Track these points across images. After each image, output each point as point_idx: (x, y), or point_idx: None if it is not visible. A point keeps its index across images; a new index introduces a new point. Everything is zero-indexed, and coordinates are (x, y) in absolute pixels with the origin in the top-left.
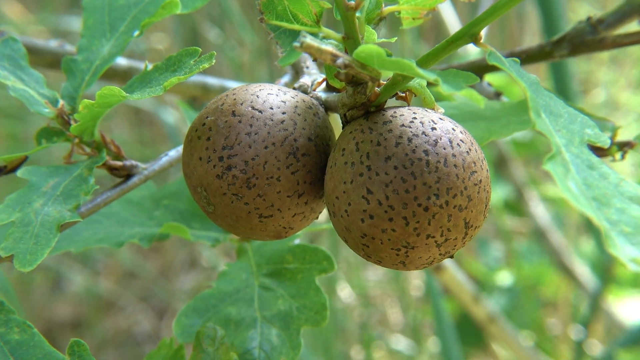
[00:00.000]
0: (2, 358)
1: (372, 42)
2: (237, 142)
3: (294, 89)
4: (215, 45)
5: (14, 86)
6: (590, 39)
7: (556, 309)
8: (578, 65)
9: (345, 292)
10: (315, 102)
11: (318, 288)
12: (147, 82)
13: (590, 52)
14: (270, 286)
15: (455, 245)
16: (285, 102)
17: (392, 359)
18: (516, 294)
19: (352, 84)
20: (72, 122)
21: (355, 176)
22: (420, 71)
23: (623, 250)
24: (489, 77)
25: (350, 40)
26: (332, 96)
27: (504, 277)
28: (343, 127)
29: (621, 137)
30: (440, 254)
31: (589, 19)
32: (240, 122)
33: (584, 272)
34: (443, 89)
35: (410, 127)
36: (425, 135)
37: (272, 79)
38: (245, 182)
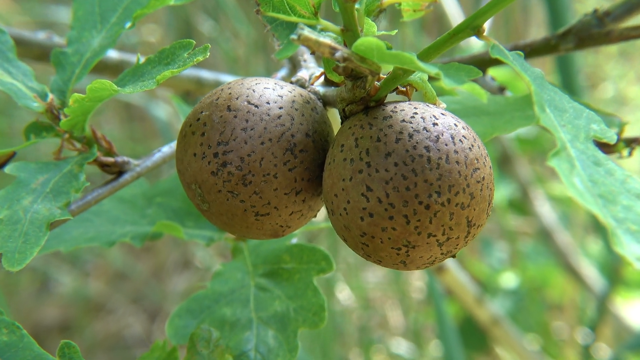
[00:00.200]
0: None
1: (371, 34)
2: (232, 138)
3: (291, 83)
4: (209, 37)
5: (1, 79)
6: (596, 32)
7: (562, 312)
8: (585, 59)
9: (344, 294)
10: (313, 96)
11: (316, 289)
12: (139, 76)
13: (596, 46)
14: (267, 287)
15: (458, 245)
16: (282, 97)
17: None
18: (521, 296)
19: (351, 77)
20: (62, 116)
21: (354, 173)
22: (421, 65)
23: (629, 249)
24: (492, 71)
25: (349, 33)
26: (331, 90)
27: (509, 279)
28: (342, 123)
29: (629, 133)
30: (442, 254)
31: (595, 11)
32: (235, 117)
33: (591, 273)
34: (445, 83)
35: (411, 123)
36: (427, 131)
37: (269, 72)
38: (241, 179)
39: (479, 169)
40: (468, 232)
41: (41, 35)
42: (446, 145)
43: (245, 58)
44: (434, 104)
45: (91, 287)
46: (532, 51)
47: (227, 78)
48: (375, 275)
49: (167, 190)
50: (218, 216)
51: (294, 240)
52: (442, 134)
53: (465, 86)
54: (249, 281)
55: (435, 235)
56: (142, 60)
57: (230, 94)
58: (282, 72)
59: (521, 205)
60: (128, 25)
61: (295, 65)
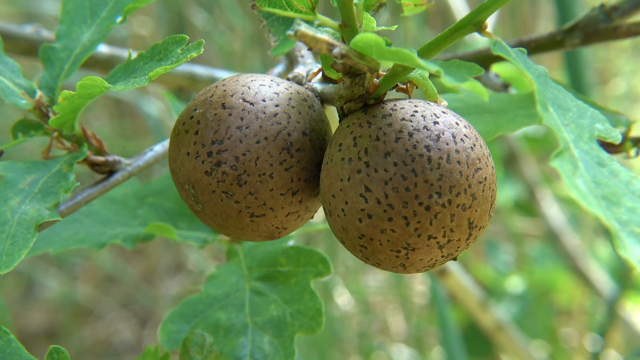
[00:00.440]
0: None
1: (370, 30)
2: (227, 137)
3: (288, 79)
4: (203, 31)
5: None
6: (603, 27)
7: (571, 318)
8: (596, 53)
9: (343, 299)
10: (310, 93)
11: (313, 292)
12: (131, 72)
13: (603, 42)
14: (262, 290)
15: (459, 247)
16: (278, 94)
17: None
18: (528, 301)
19: (350, 74)
20: (50, 114)
21: (352, 173)
22: (421, 62)
23: (633, 252)
24: (496, 68)
25: (347, 29)
26: (329, 87)
27: (515, 283)
28: (340, 121)
29: (636, 132)
30: (442, 256)
31: (602, 6)
32: (230, 115)
33: (601, 277)
34: (445, 80)
35: (411, 121)
36: (427, 129)
37: (266, 67)
38: (236, 179)
39: (480, 169)
40: (469, 234)
41: (28, 29)
42: (447, 144)
43: (241, 52)
44: (435, 102)
45: (79, 291)
46: (537, 47)
47: (221, 74)
48: (375, 278)
49: (160, 191)
50: (212, 217)
51: (291, 243)
52: (443, 133)
53: (467, 84)
54: (244, 285)
55: (435, 237)
56: (134, 55)
57: (224, 91)
58: (279, 68)
59: (528, 206)
60: (119, 19)
61: (292, 61)
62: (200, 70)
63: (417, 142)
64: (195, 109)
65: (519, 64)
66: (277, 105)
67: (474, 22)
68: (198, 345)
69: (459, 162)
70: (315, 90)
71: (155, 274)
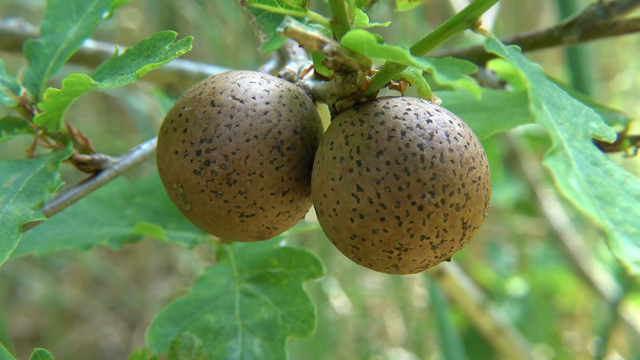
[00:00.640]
0: None
1: (363, 27)
2: (216, 135)
3: (279, 76)
4: (194, 24)
5: None
6: (601, 23)
7: (574, 321)
8: (600, 48)
9: (339, 301)
10: (301, 91)
11: (305, 295)
12: (118, 69)
13: (601, 38)
14: (253, 292)
15: (452, 247)
16: (268, 92)
17: None
18: (530, 304)
19: (341, 72)
20: (35, 112)
21: (344, 172)
22: (413, 59)
23: (627, 252)
24: (493, 65)
25: (338, 25)
26: (321, 85)
27: (516, 285)
28: (332, 119)
29: (635, 130)
30: (435, 257)
31: (600, 1)
32: (219, 112)
33: (605, 279)
34: (437, 78)
35: (403, 120)
36: (420, 128)
37: (259, 62)
38: (225, 178)
39: (474, 168)
40: (463, 235)
41: (12, 24)
42: (440, 143)
43: (234, 47)
44: (429, 100)
45: (65, 294)
46: (534, 43)
47: (212, 70)
48: (373, 280)
49: (148, 190)
50: (201, 217)
51: (283, 243)
52: (437, 132)
53: (459, 82)
54: (234, 286)
55: (428, 238)
56: (121, 52)
57: (214, 88)
58: (270, 65)
59: (529, 206)
60: (106, 14)
61: (284, 57)
62: (190, 66)
63: (410, 140)
64: (184, 107)
65: (512, 61)
66: (267, 103)
67: (468, 19)
68: (186, 349)
69: (452, 161)
70: (306, 88)
71: (144, 276)
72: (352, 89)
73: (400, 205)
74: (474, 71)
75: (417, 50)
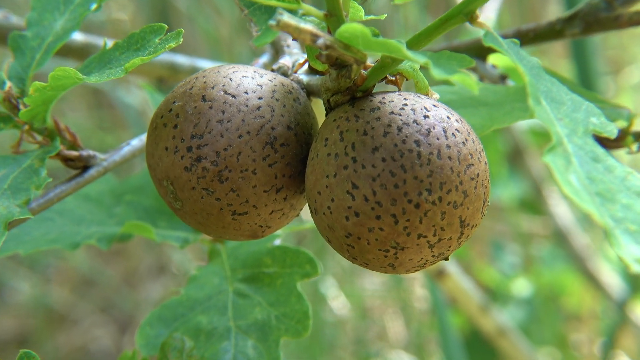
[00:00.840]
0: None
1: (358, 20)
2: (207, 131)
3: (273, 70)
4: (187, 15)
5: None
6: (604, 16)
7: (581, 323)
8: (607, 40)
9: (338, 302)
10: (295, 85)
11: (300, 295)
12: (106, 63)
13: (604, 31)
14: (246, 292)
15: (450, 246)
16: (261, 86)
17: None
18: (535, 305)
19: (336, 66)
20: (21, 106)
21: (339, 169)
22: (408, 53)
23: (627, 250)
24: (493, 59)
25: (333, 18)
26: (315, 79)
27: (521, 286)
28: (327, 114)
29: (638, 126)
30: (433, 256)
31: None
32: (211, 108)
33: (612, 279)
34: (434, 73)
35: (400, 115)
36: (417, 124)
37: (256, 56)
38: (217, 175)
39: (473, 164)
40: (461, 233)
41: None
42: (438, 139)
43: (229, 39)
44: (426, 95)
45: (53, 295)
46: (536, 37)
47: (204, 64)
48: (372, 281)
49: (138, 187)
50: (192, 215)
51: (277, 242)
52: (434, 127)
53: (456, 76)
54: (226, 287)
55: (425, 236)
56: (110, 45)
57: (205, 82)
58: (264, 59)
59: (534, 204)
60: (94, 7)
61: (278, 51)
62: (181, 59)
63: (407, 136)
64: (174, 102)
65: (511, 55)
66: (260, 98)
67: (465, 12)
68: (177, 350)
69: (450, 158)
70: (301, 82)
71: (136, 276)
72: (347, 84)
73: (397, 203)
74: (471, 65)
75: (413, 44)
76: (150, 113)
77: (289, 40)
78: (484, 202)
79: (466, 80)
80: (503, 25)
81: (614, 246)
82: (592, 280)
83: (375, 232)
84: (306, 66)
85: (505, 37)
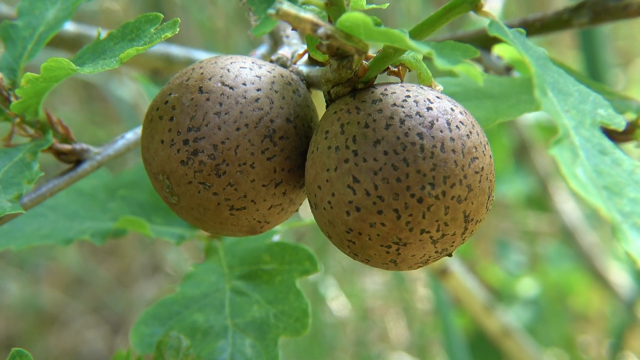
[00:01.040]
0: None
1: (360, 8)
2: (204, 123)
3: (271, 61)
4: (182, 5)
5: None
6: (613, 5)
7: (590, 324)
8: (618, 30)
9: (338, 303)
10: (295, 77)
11: (299, 292)
12: (100, 53)
13: (613, 21)
14: (244, 290)
15: (454, 242)
16: (260, 77)
17: None
18: (542, 306)
19: (337, 57)
20: (12, 98)
21: (339, 163)
22: (412, 43)
23: (635, 245)
24: (499, 49)
25: (334, 7)
26: (315, 70)
27: (527, 285)
28: (327, 106)
29: None
30: (436, 252)
31: None
32: (208, 99)
33: (621, 279)
34: (437, 63)
35: (402, 107)
36: (420, 116)
37: (253, 46)
38: (214, 169)
39: (477, 158)
40: (465, 228)
41: None
42: (441, 132)
43: (225, 30)
44: (429, 86)
45: (43, 295)
46: (542, 27)
47: (200, 55)
48: (374, 280)
49: (132, 182)
50: (188, 210)
51: (276, 238)
52: (437, 120)
53: (460, 67)
54: (224, 284)
55: (428, 232)
56: (103, 35)
57: (202, 74)
58: (262, 49)
59: (541, 201)
60: None
61: (277, 41)
62: (177, 50)
63: (409, 129)
64: (170, 94)
65: (516, 45)
66: (258, 90)
67: (470, 1)
68: (173, 349)
69: (454, 151)
70: (300, 74)
71: (129, 276)
72: (348, 75)
73: (399, 198)
74: (475, 56)
75: (416, 34)
76: (144, 106)
77: (288, 31)
78: (489, 197)
79: (470, 71)
80: (509, 16)
81: (621, 241)
82: (600, 279)
83: (377, 228)
84: (306, 57)
85: (511, 27)
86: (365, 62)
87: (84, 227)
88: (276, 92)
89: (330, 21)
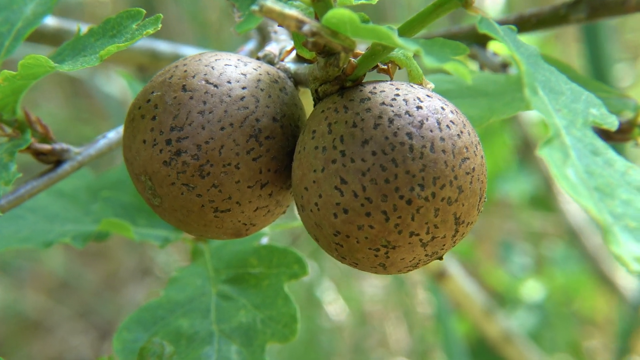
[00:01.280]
0: None
1: (347, 5)
2: (188, 123)
3: (258, 58)
4: None
5: None
6: (611, 0)
7: (597, 329)
8: (625, 23)
9: (335, 307)
10: (282, 74)
11: (287, 296)
12: (80, 50)
13: (611, 16)
14: (231, 294)
15: (444, 245)
16: (245, 75)
17: None
18: (547, 310)
19: (324, 54)
20: None
21: (327, 163)
22: (399, 40)
23: (626, 248)
24: (494, 45)
25: (320, 3)
26: (303, 68)
27: (532, 289)
28: (315, 105)
29: None
30: (426, 255)
31: None
32: (191, 98)
33: (628, 282)
34: (425, 61)
35: (391, 106)
36: (409, 115)
37: (246, 40)
38: (198, 169)
39: (468, 158)
40: (456, 231)
41: None
42: (431, 131)
43: (217, 23)
44: (420, 84)
45: (27, 300)
46: (539, 22)
47: (187, 50)
48: (372, 284)
49: (116, 183)
50: (171, 212)
51: (264, 241)
52: (427, 119)
53: (449, 65)
54: (209, 288)
55: (418, 234)
56: (84, 30)
57: (185, 71)
58: (250, 45)
59: (545, 200)
60: None
61: (265, 37)
62: (163, 46)
63: (398, 129)
64: (153, 92)
65: (507, 42)
66: (244, 88)
67: None
68: (156, 355)
69: (444, 151)
70: (288, 71)
71: (117, 280)
72: (336, 73)
73: (388, 199)
74: (465, 53)
75: (406, 31)
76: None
77: (276, 26)
78: (480, 198)
79: (459, 69)
80: (513, 9)
81: (611, 244)
82: (606, 282)
83: (365, 230)
84: (294, 54)
85: (506, 22)
86: (353, 59)
87: (65, 230)
88: (262, 90)
89: (317, 18)
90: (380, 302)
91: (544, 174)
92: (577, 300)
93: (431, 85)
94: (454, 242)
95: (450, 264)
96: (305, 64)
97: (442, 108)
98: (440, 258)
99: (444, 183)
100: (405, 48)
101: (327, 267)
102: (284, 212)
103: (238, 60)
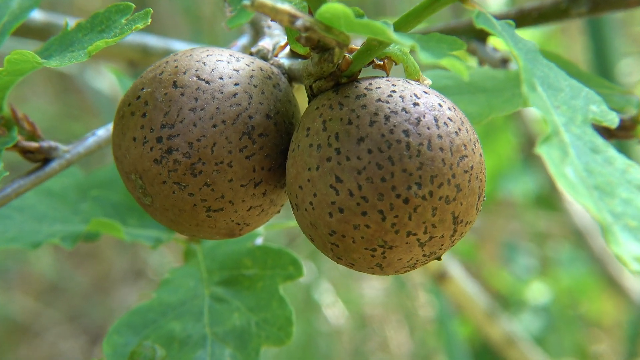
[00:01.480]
0: None
1: None
2: (179, 120)
3: (251, 54)
4: None
5: None
6: None
7: (604, 332)
8: (632, 16)
9: (334, 310)
10: (276, 70)
11: (282, 299)
12: (68, 45)
13: (613, 10)
14: (224, 297)
15: (442, 245)
16: (238, 71)
17: None
18: (553, 313)
19: (318, 49)
20: None
21: (321, 161)
22: (394, 36)
23: (626, 247)
24: (494, 40)
25: None
26: (297, 64)
27: (538, 291)
28: (309, 102)
29: None
30: (424, 255)
31: None
32: (183, 94)
33: (635, 284)
34: (421, 56)
35: (387, 103)
36: (406, 112)
37: (240, 35)
38: (190, 168)
39: (466, 156)
40: (454, 230)
41: None
42: (428, 129)
43: (211, 16)
44: (417, 81)
45: (14, 303)
46: (540, 16)
47: (178, 45)
48: (372, 285)
49: (106, 181)
50: (163, 212)
51: (259, 241)
52: (424, 116)
53: (445, 60)
54: (202, 290)
55: (415, 234)
56: (72, 25)
57: (176, 67)
58: (243, 40)
59: (551, 200)
60: None
61: (258, 31)
62: (154, 41)
63: (395, 126)
64: (143, 88)
65: (505, 38)
66: (236, 84)
67: None
68: (147, 359)
69: (441, 149)
70: (281, 67)
71: (108, 282)
72: (331, 69)
73: (384, 198)
74: (462, 48)
75: (401, 26)
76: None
77: (270, 21)
78: (479, 197)
79: (455, 64)
80: (516, 2)
81: (611, 243)
82: (613, 284)
83: (361, 230)
84: (287, 49)
85: (506, 16)
86: (348, 55)
87: (54, 230)
88: (255, 86)
89: (310, 12)
90: (381, 305)
91: (548, 173)
92: (584, 303)
93: (428, 82)
94: (453, 242)
95: (451, 265)
96: (300, 60)
97: (440, 105)
98: (439, 258)
99: (441, 181)
100: (400, 43)
101: (325, 268)
102: (278, 212)
103: (230, 55)
